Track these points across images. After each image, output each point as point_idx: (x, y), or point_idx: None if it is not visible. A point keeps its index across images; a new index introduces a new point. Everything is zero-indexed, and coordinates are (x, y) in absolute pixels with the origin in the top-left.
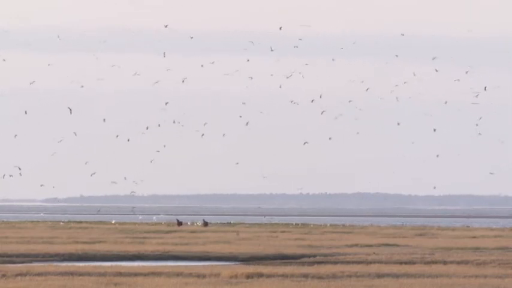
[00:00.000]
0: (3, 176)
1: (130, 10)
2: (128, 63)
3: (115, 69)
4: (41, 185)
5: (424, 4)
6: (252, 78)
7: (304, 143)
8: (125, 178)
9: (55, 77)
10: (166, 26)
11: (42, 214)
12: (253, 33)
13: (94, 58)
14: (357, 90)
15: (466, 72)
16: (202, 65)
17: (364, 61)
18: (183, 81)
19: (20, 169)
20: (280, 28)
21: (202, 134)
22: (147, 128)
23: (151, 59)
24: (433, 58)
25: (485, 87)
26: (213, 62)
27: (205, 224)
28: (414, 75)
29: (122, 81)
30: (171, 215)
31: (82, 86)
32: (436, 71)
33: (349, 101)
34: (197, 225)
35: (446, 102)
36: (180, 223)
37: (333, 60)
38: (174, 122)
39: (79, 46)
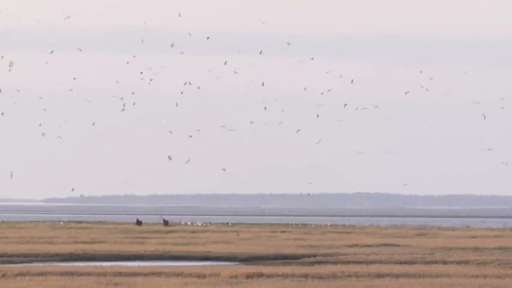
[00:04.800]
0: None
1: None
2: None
3: (113, 70)
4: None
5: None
6: (258, 77)
7: (319, 141)
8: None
9: (53, 76)
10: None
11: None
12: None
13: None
14: (356, 90)
15: (464, 73)
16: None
17: (361, 61)
18: (185, 83)
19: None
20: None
21: (198, 131)
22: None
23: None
24: (430, 59)
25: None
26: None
27: (166, 222)
28: (413, 74)
29: (123, 82)
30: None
31: (81, 87)
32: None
33: (348, 101)
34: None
35: (446, 103)
36: (139, 222)
37: (328, 59)
38: (174, 122)
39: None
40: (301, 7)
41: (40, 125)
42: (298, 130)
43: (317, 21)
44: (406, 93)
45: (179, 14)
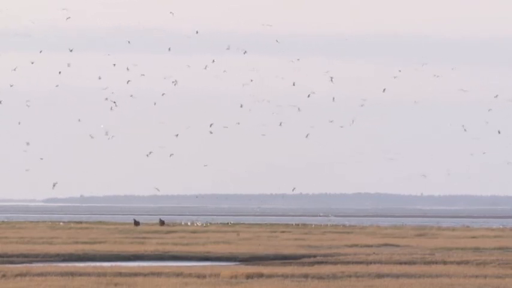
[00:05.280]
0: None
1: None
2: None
3: (113, 69)
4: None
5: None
6: (248, 77)
7: (307, 135)
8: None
9: (53, 76)
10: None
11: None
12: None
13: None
14: (356, 90)
15: (452, 69)
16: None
17: (360, 61)
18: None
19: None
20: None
21: (211, 132)
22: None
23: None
24: (425, 59)
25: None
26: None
27: (162, 223)
28: (413, 74)
29: (123, 81)
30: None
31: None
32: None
33: (348, 101)
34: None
35: (446, 102)
36: (137, 223)
37: (327, 60)
38: (174, 121)
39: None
40: (301, 7)
41: (19, 123)
42: (298, 130)
43: (317, 21)
44: (403, 94)
45: (172, 13)
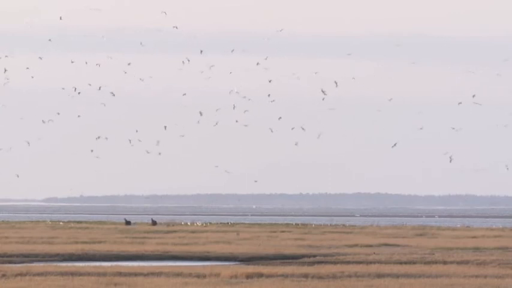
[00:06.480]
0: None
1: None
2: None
3: (113, 71)
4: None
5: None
6: (239, 76)
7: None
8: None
9: (53, 76)
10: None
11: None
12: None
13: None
14: (356, 90)
15: (465, 73)
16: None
17: (361, 61)
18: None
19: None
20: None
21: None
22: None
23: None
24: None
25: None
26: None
27: (154, 223)
28: (413, 74)
29: (121, 83)
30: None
31: (77, 89)
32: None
33: (348, 101)
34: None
35: (446, 103)
36: (128, 222)
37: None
38: (174, 121)
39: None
40: (302, 7)
41: (19, 120)
42: (297, 131)
43: (317, 21)
44: (402, 94)
45: (165, 12)
